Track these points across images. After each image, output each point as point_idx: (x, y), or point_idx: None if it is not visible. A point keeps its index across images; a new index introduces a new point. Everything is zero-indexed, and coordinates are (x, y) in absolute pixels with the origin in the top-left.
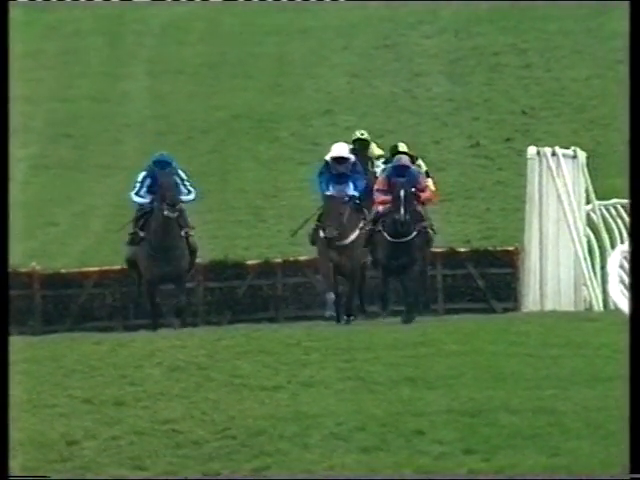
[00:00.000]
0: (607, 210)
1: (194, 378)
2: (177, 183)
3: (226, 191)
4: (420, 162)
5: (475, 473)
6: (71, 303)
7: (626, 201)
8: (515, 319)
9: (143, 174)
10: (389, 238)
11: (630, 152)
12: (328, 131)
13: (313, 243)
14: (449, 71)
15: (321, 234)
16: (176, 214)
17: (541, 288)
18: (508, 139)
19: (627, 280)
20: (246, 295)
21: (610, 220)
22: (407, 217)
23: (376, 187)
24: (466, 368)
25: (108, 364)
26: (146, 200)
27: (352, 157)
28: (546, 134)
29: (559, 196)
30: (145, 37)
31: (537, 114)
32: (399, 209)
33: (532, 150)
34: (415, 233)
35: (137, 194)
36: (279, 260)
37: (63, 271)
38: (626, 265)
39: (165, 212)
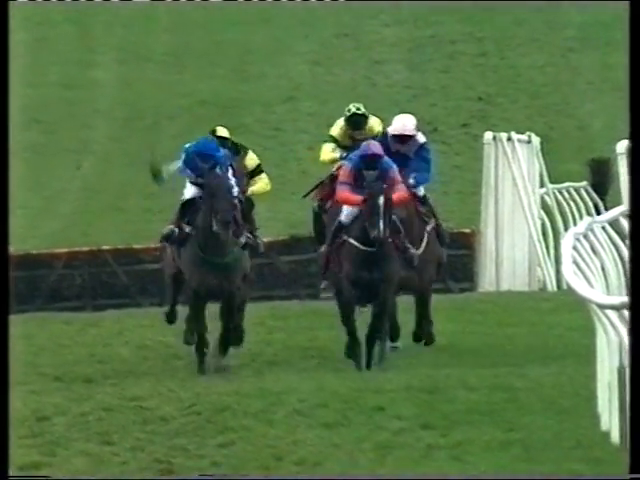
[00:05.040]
0: (560, 193)
1: (161, 356)
2: (232, 186)
3: None
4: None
5: (433, 448)
6: (41, 284)
7: (578, 184)
8: (471, 299)
9: (181, 163)
10: (359, 246)
11: (631, 149)
12: (291, 117)
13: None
14: (407, 59)
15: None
16: (230, 233)
17: (497, 269)
18: (465, 125)
19: (580, 261)
20: None
21: (563, 203)
22: (386, 233)
23: (340, 179)
24: (424, 346)
25: (78, 343)
26: (174, 170)
27: (420, 136)
28: (502, 120)
29: (514, 180)
30: (114, 26)
31: (493, 100)
32: (376, 222)
33: (488, 135)
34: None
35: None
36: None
37: (34, 252)
38: (579, 246)
39: (215, 228)
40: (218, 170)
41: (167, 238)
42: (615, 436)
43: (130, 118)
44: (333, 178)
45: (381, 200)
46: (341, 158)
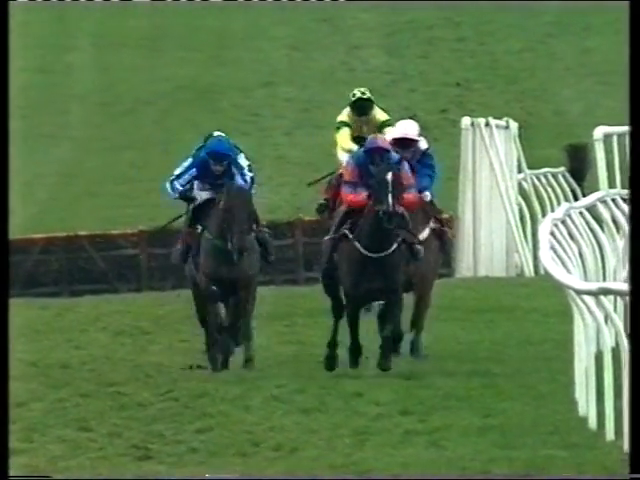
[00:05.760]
0: (538, 179)
1: (138, 342)
2: (251, 213)
3: (168, 161)
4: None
5: (411, 433)
6: (18, 269)
7: (556, 170)
8: (449, 285)
9: (189, 162)
10: (362, 251)
11: (630, 145)
12: (268, 102)
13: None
14: (385, 44)
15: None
16: (245, 254)
17: (474, 254)
18: (443, 110)
19: (557, 247)
20: None
21: (541, 188)
22: (396, 209)
23: (345, 178)
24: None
25: (54, 328)
26: (181, 190)
27: (423, 142)
28: (479, 105)
29: (492, 165)
30: (90, 11)
31: (471, 86)
32: (384, 198)
33: (466, 121)
34: (395, 245)
35: (172, 182)
36: None
37: (10, 238)
38: (556, 232)
39: (229, 248)
40: (236, 179)
41: (183, 257)
42: (592, 422)
43: (107, 103)
44: (340, 177)
45: (389, 176)
46: None
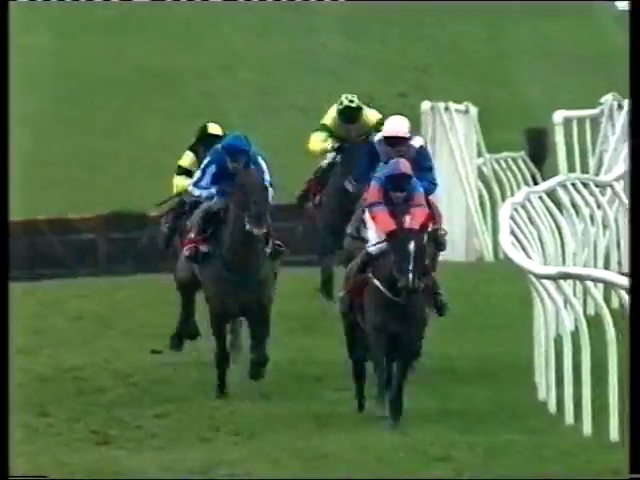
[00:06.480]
0: (498, 163)
1: (97, 327)
2: (266, 185)
3: (129, 144)
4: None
5: (370, 418)
6: None
7: (516, 154)
8: None
9: (207, 160)
10: (385, 292)
11: (630, 144)
12: (228, 86)
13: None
14: (345, 28)
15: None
16: (263, 230)
17: None
18: (402, 94)
19: (517, 231)
20: (147, 245)
21: (501, 173)
22: (415, 284)
23: (369, 200)
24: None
25: (13, 313)
26: (210, 191)
27: (416, 140)
28: (439, 90)
29: (452, 150)
30: None
31: (430, 70)
32: (405, 270)
33: (425, 105)
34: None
35: (196, 185)
36: None
37: None
38: (516, 216)
39: (247, 227)
40: (251, 166)
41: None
42: (552, 405)
43: (69, 89)
44: (323, 172)
45: (412, 245)
46: (333, 149)
